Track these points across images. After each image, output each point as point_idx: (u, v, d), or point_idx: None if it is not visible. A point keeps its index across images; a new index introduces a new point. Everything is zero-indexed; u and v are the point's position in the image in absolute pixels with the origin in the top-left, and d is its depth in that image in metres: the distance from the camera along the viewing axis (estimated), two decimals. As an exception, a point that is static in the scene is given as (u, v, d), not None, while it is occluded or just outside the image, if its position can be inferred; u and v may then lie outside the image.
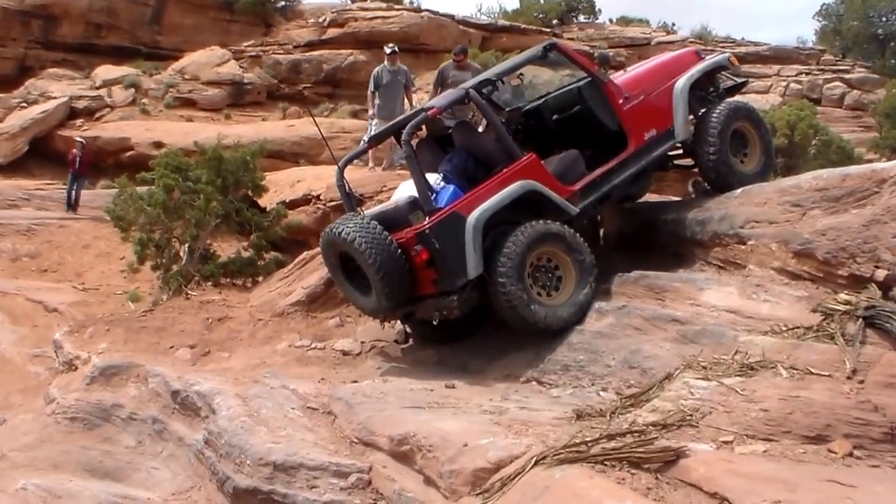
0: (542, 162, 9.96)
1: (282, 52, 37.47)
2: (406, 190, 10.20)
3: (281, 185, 21.23)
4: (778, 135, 21.19)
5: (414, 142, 10.05)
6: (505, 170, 9.61)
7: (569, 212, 9.76)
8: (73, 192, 25.18)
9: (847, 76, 37.90)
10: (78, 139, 27.52)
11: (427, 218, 9.24)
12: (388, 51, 18.40)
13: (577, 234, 9.59)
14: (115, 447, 10.18)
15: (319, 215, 18.24)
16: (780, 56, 39.98)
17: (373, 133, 15.46)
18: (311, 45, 37.73)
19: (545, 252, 9.44)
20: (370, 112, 18.08)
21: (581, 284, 9.44)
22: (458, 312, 9.37)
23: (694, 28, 44.82)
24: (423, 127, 10.84)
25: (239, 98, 34.99)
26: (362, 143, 14.55)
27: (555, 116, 11.10)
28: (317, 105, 34.55)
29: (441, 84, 16.57)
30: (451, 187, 9.71)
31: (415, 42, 35.32)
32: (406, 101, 17.80)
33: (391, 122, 11.73)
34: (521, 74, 11.52)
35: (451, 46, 30.46)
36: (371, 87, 17.85)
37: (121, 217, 16.17)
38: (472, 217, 9.17)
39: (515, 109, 11.51)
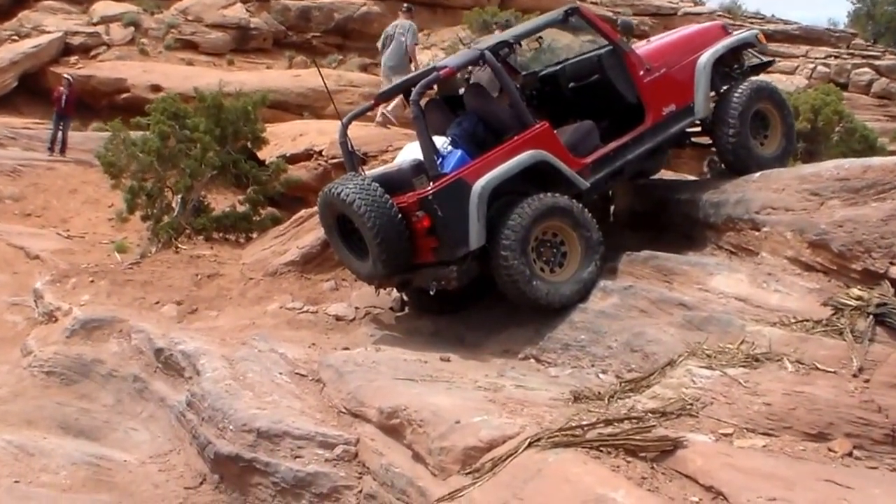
0: (556, 131, 9.97)
1: (292, -4, 37.24)
2: (411, 152, 10.19)
3: (282, 138, 21.18)
4: (801, 119, 21.12)
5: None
6: (516, 137, 9.61)
7: (579, 186, 9.78)
8: (60, 133, 24.88)
9: (877, 62, 37.62)
10: (65, 76, 27.16)
11: (431, 183, 9.25)
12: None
13: (586, 210, 9.60)
14: (93, 405, 10.17)
15: (320, 172, 18.31)
16: (809, 36, 39.70)
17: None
18: (322, -8, 37.48)
19: (551, 226, 9.47)
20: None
21: (586, 262, 9.47)
22: (456, 283, 9.40)
23: (723, 1, 44.54)
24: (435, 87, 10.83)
25: (243, 43, 34.72)
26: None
27: (572, 84, 11.10)
28: (325, 56, 34.31)
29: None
30: (459, 152, 9.70)
31: (433, -4, 35.11)
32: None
33: (401, 79, 11.72)
34: (541, 38, 11.50)
35: (469, 3, 30.44)
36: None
37: (112, 163, 16.10)
38: (479, 185, 9.18)
39: (532, 74, 11.51)
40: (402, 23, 18.51)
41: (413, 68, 17.07)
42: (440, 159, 9.57)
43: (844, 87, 34.43)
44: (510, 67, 10.73)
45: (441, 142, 9.83)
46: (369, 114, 14.21)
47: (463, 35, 24.41)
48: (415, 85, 9.82)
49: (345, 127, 10.68)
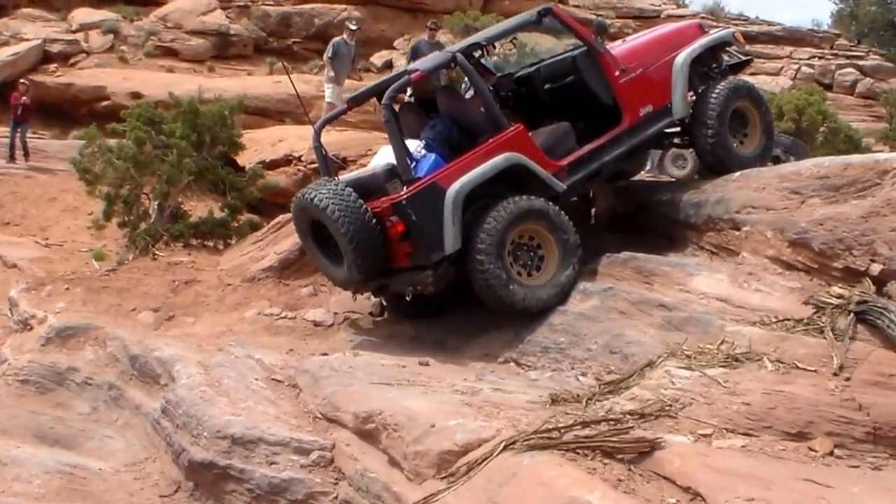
0: (531, 133, 9.92)
1: (272, 3, 37.00)
2: (385, 156, 10.15)
3: (262, 144, 21.24)
4: (785, 119, 21.23)
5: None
6: (490, 140, 9.56)
7: (555, 188, 9.72)
8: (20, 140, 24.52)
9: (860, 63, 37.77)
10: (23, 81, 26.80)
11: (405, 188, 9.20)
12: (353, 27, 20.89)
13: (562, 212, 9.55)
14: (68, 413, 10.12)
15: (300, 177, 18.29)
16: (793, 37, 39.82)
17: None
18: (303, -2, 37.44)
19: (527, 230, 9.41)
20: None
21: (564, 265, 9.41)
22: (432, 288, 9.37)
23: (706, 3, 44.57)
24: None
25: (224, 50, 34.61)
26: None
27: (547, 86, 11.05)
28: (306, 61, 34.32)
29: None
30: (433, 156, 9.67)
31: (412, 0, 35.06)
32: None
33: (374, 82, 11.65)
34: (515, 39, 11.46)
35: (451, 7, 30.40)
36: (329, 53, 20.17)
37: (87, 170, 16.04)
38: (453, 189, 9.13)
39: (506, 76, 11.47)
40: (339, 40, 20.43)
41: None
42: (414, 163, 9.57)
43: (829, 87, 34.60)
44: (484, 69, 10.69)
45: (415, 145, 9.81)
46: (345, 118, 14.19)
47: (444, 39, 24.46)
48: (387, 88, 9.78)
49: (318, 132, 10.63)
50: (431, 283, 9.28)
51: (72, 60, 32.34)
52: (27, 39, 32.26)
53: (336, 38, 20.59)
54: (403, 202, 9.10)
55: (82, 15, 34.56)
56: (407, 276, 9.53)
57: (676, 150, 14.44)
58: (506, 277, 9.15)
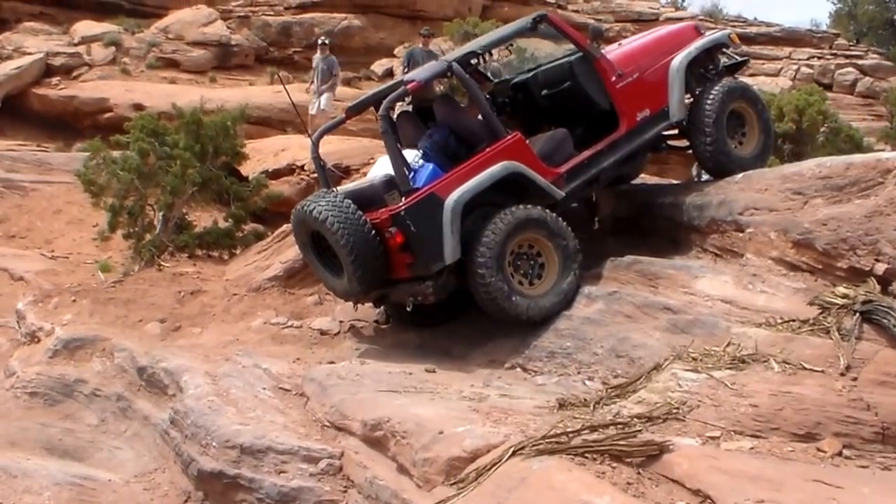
0: (529, 140, 9.90)
1: (272, 13, 37.06)
2: (383, 166, 10.13)
3: (265, 154, 21.16)
4: (786, 120, 21.17)
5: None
6: (488, 149, 9.53)
7: (554, 196, 9.70)
8: None
9: (860, 62, 37.73)
10: None
11: (403, 198, 9.19)
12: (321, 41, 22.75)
13: (560, 219, 9.51)
14: (77, 425, 10.12)
15: (303, 186, 18.25)
16: (792, 38, 39.78)
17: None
18: (302, 7, 37.26)
19: (526, 239, 9.39)
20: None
21: (565, 272, 9.39)
22: (433, 299, 9.35)
23: (704, 5, 44.56)
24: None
25: (225, 60, 34.58)
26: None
27: (544, 92, 11.03)
28: (307, 71, 34.19)
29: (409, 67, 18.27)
30: (431, 166, 9.65)
31: (412, 8, 34.97)
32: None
33: (371, 91, 11.62)
34: (511, 45, 11.45)
35: (450, 14, 30.34)
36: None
37: (92, 182, 16.02)
38: (451, 199, 9.11)
39: (503, 82, 11.45)
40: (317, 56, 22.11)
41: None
42: (412, 173, 9.55)
43: (829, 87, 34.51)
44: (480, 76, 10.68)
45: (412, 155, 9.81)
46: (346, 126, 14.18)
47: (445, 47, 24.42)
48: (384, 98, 9.76)
49: (316, 143, 10.60)
50: (432, 293, 9.26)
51: (74, 73, 32.31)
52: (30, 53, 32.21)
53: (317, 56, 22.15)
54: (402, 213, 9.09)
55: (84, 28, 34.53)
56: (407, 286, 9.52)
57: None
58: (508, 289, 9.13)
